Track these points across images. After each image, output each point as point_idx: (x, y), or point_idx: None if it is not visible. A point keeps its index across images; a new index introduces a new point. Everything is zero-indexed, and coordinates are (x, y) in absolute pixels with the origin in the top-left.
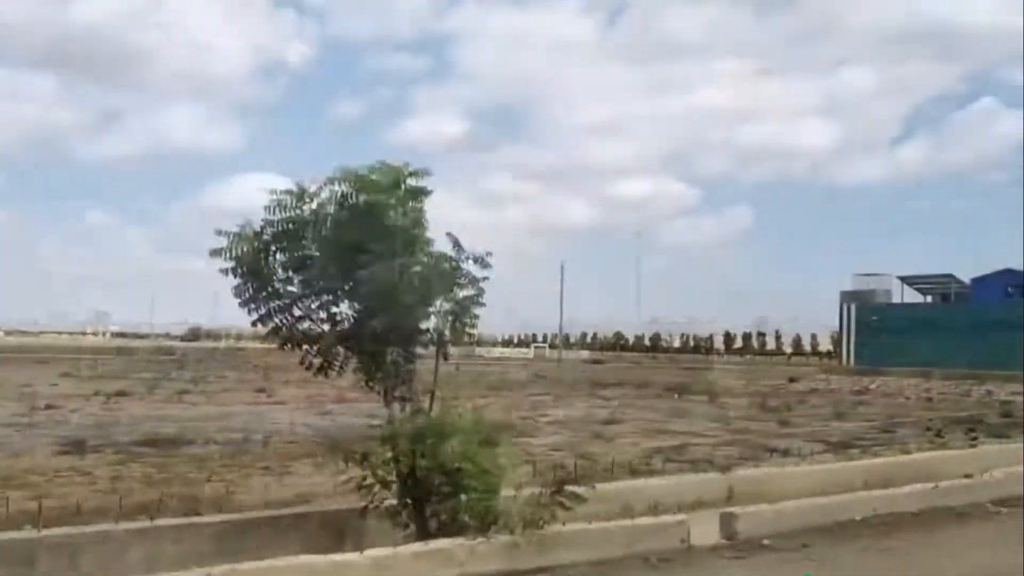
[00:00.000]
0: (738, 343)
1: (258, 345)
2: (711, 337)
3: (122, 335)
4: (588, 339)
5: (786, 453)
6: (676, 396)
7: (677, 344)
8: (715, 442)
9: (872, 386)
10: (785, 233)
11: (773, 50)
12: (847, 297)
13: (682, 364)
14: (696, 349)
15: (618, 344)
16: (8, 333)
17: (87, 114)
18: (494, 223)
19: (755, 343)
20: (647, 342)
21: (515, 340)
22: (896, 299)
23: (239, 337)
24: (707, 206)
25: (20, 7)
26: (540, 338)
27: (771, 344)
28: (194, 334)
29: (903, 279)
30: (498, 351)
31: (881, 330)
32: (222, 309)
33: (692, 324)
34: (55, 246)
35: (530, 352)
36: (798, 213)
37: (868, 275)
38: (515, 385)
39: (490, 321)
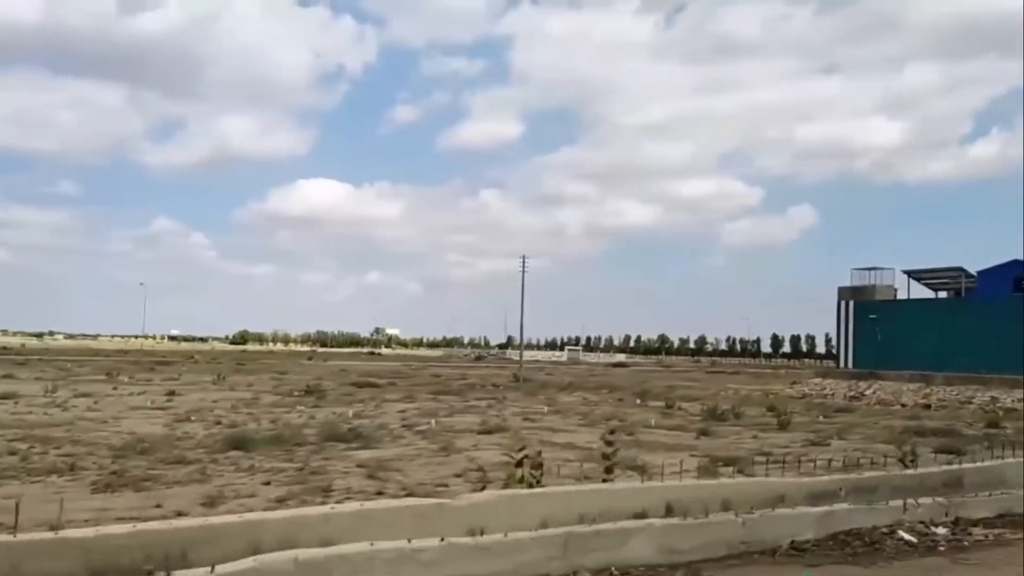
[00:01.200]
0: (786, 347)
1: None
2: (758, 340)
3: (178, 338)
4: (632, 342)
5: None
6: (624, 401)
7: (723, 347)
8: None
9: (868, 391)
10: (850, 232)
11: (833, 47)
12: (845, 293)
13: (696, 367)
14: (743, 352)
15: (662, 347)
16: (68, 337)
17: (153, 122)
18: (550, 225)
19: (803, 346)
20: (692, 345)
21: (558, 342)
22: (903, 295)
23: (286, 340)
24: (768, 206)
25: (88, 21)
26: (582, 341)
27: (821, 348)
28: (242, 337)
29: (909, 273)
30: (528, 354)
31: (881, 329)
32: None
33: (740, 327)
34: (122, 251)
35: (563, 355)
36: (863, 212)
37: (868, 269)
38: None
39: (530, 323)
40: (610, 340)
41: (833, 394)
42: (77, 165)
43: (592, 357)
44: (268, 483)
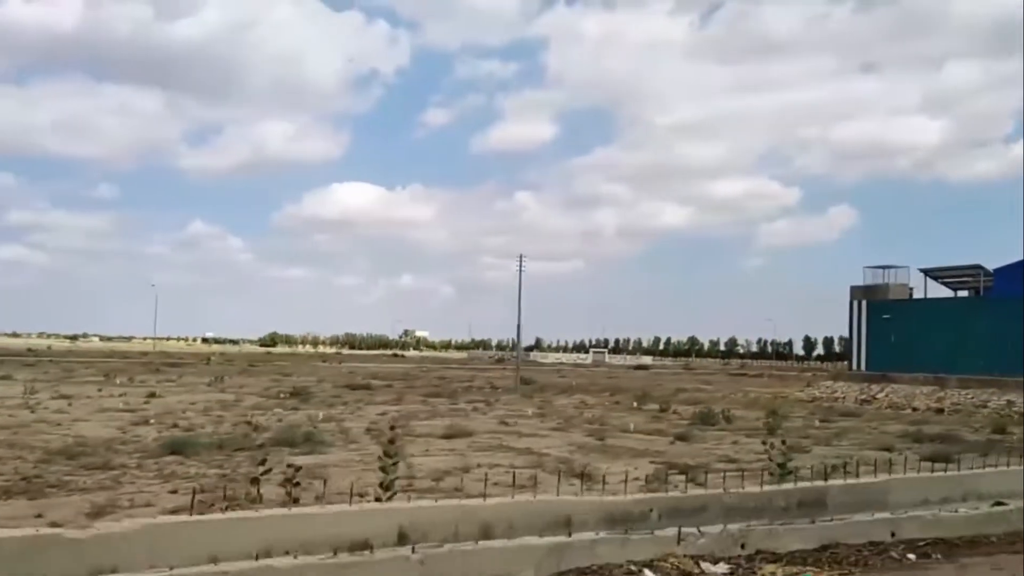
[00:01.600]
0: (819, 349)
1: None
2: (790, 342)
3: (209, 340)
4: (661, 344)
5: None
6: (621, 404)
7: (755, 349)
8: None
9: (880, 394)
10: (891, 232)
11: (872, 45)
12: (857, 293)
13: (721, 370)
14: (774, 355)
15: (691, 349)
16: (104, 339)
17: (190, 127)
18: (583, 226)
19: (836, 348)
20: (722, 347)
21: (587, 344)
22: (920, 294)
23: (315, 342)
24: (806, 206)
25: (127, 28)
26: (613, 343)
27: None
28: (272, 339)
29: (926, 272)
30: (552, 357)
31: (894, 330)
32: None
33: (773, 329)
34: (160, 254)
35: (588, 357)
36: (904, 211)
37: (882, 267)
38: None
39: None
40: (639, 342)
41: (844, 397)
42: (116, 170)
43: (618, 360)
44: (175, 491)
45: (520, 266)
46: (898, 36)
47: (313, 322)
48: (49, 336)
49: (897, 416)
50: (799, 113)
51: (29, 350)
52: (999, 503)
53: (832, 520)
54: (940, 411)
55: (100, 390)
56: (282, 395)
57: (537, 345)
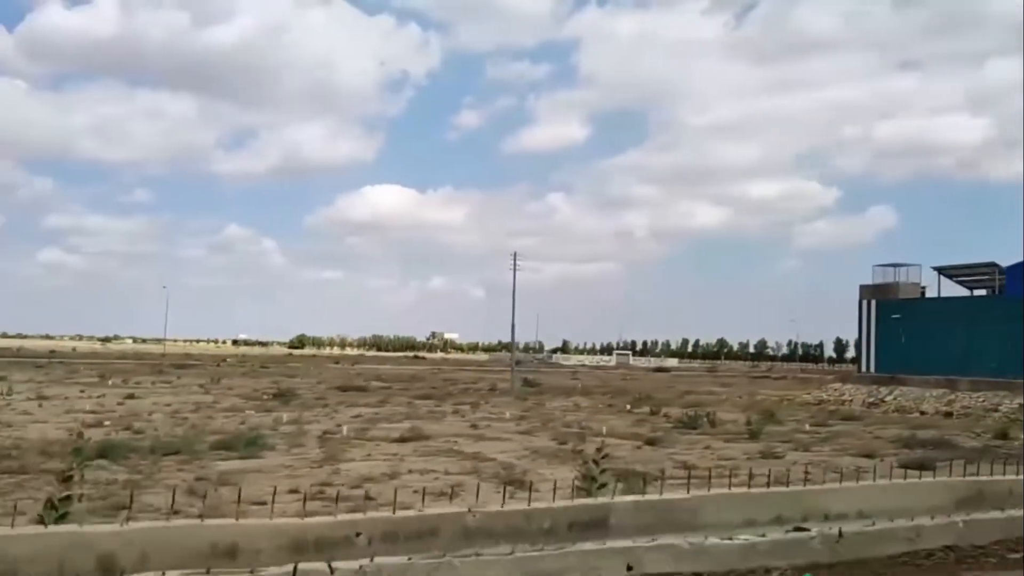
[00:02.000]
0: (851, 351)
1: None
2: (821, 344)
3: (239, 342)
4: (690, 346)
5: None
6: (614, 407)
7: (785, 351)
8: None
9: (888, 397)
10: (932, 232)
11: (912, 43)
12: (866, 292)
13: (745, 373)
14: (804, 357)
15: (720, 351)
16: (136, 340)
17: (224, 132)
18: (616, 228)
19: None
20: (752, 349)
21: (615, 346)
22: (933, 293)
23: (343, 344)
24: (845, 206)
25: (162, 34)
26: (642, 345)
27: None
28: (300, 341)
29: (940, 270)
30: (575, 359)
31: (904, 331)
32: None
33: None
34: (195, 257)
35: (612, 360)
36: (946, 211)
37: (892, 265)
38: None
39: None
40: (667, 345)
41: (851, 400)
42: (152, 174)
43: (643, 362)
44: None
45: (514, 266)
46: (938, 33)
47: (345, 324)
48: (81, 338)
49: (901, 420)
50: (837, 112)
51: (52, 352)
52: (799, 528)
53: (543, 550)
54: (949, 415)
55: (83, 391)
56: (265, 397)
57: (564, 347)
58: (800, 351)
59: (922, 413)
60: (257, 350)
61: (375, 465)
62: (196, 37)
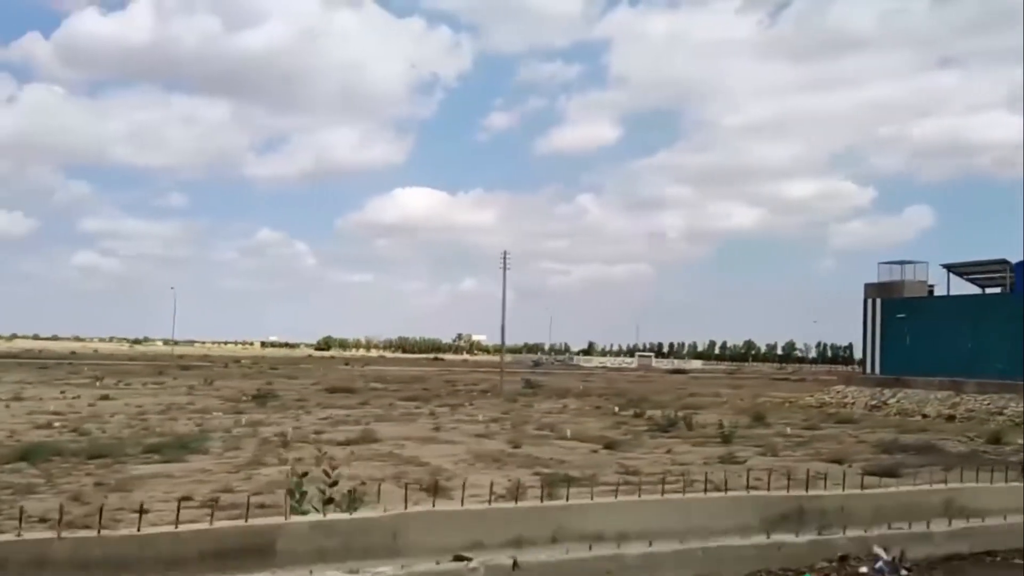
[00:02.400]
0: None
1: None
2: (850, 346)
3: (266, 344)
4: (717, 348)
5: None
6: (601, 409)
7: (813, 354)
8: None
9: (891, 400)
10: (971, 232)
11: (950, 40)
12: (871, 290)
13: (766, 375)
14: (834, 359)
15: (748, 353)
16: (169, 343)
17: (257, 136)
18: (648, 229)
19: None
20: (779, 351)
21: (641, 348)
22: (942, 292)
23: (369, 346)
24: (882, 206)
25: (196, 40)
26: (672, 346)
27: None
28: (327, 343)
29: (949, 267)
30: (597, 360)
31: (910, 330)
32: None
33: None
34: (228, 260)
35: (634, 361)
36: (985, 211)
37: (897, 262)
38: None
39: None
40: (693, 346)
41: (853, 403)
42: (186, 179)
43: (665, 364)
44: None
45: (504, 265)
46: (977, 29)
47: (375, 326)
48: (112, 340)
49: (900, 424)
50: (874, 111)
51: (72, 353)
52: (460, 557)
53: None
54: (951, 418)
55: (63, 392)
56: (244, 398)
57: (589, 349)
58: (829, 353)
59: (924, 416)
60: (283, 352)
61: (306, 470)
62: (229, 42)
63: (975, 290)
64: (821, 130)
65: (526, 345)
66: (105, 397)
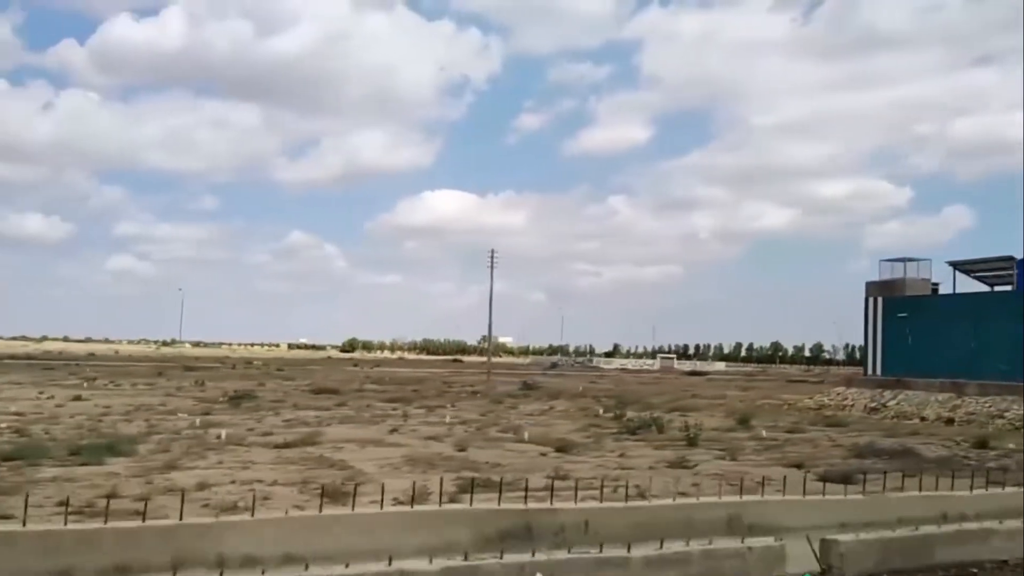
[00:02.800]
0: None
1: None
2: None
3: (293, 346)
4: (743, 350)
5: None
6: (586, 411)
7: (841, 356)
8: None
9: (891, 402)
10: (1012, 233)
11: (986, 37)
12: (872, 289)
13: (785, 377)
14: (861, 362)
15: (775, 355)
16: (197, 345)
17: (287, 140)
18: (679, 230)
19: None
20: (807, 353)
21: (667, 349)
22: (948, 290)
23: (392, 348)
24: (918, 206)
25: (228, 45)
26: (700, 348)
27: None
28: (351, 345)
29: (955, 264)
30: (617, 362)
31: (911, 330)
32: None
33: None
34: (259, 263)
35: (655, 363)
36: None
37: (899, 260)
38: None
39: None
40: (720, 348)
41: (852, 405)
42: (218, 182)
43: (688, 366)
44: None
45: (491, 263)
46: (1013, 26)
47: (404, 328)
48: (145, 342)
49: (892, 427)
50: (910, 109)
51: (91, 354)
52: None
53: None
54: (950, 421)
55: (41, 392)
56: (220, 400)
57: (614, 351)
58: (857, 355)
59: (922, 419)
60: (305, 354)
61: (210, 474)
62: (260, 47)
63: (983, 288)
64: (855, 129)
65: (550, 347)
66: (78, 398)
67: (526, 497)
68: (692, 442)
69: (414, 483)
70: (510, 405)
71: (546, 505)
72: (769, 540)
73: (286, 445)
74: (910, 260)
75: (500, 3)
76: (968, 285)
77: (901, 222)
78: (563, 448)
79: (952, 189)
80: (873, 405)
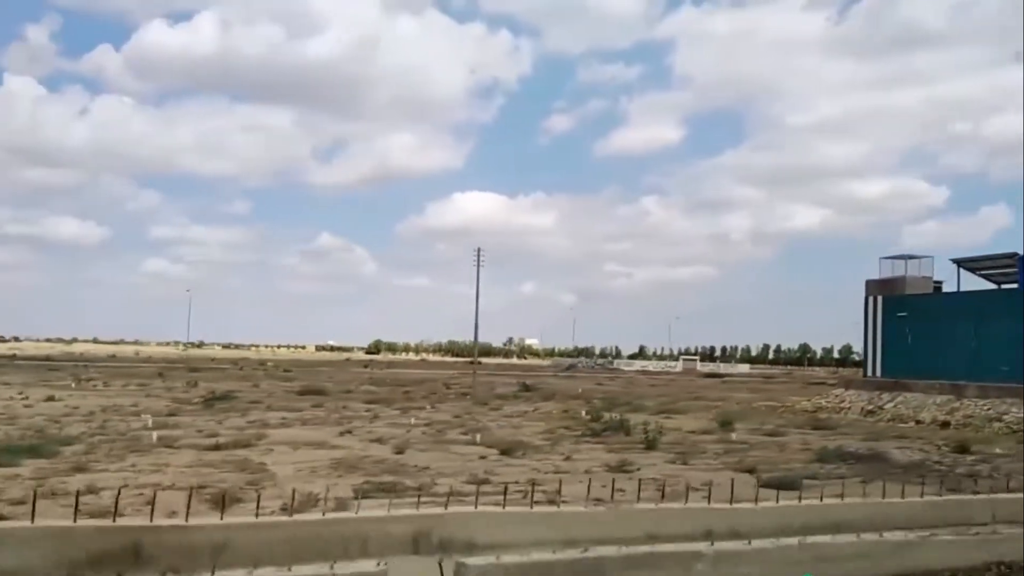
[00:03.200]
0: None
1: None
2: None
3: (323, 348)
4: (771, 352)
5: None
6: (568, 412)
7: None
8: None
9: (889, 405)
10: None
11: None
12: (872, 287)
13: (792, 380)
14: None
15: (803, 357)
16: (230, 347)
17: (318, 143)
18: (712, 231)
19: None
20: (836, 355)
21: (693, 351)
22: (951, 288)
23: (417, 350)
24: (956, 206)
25: (260, 49)
26: (720, 350)
27: None
28: (376, 347)
29: (959, 262)
30: (639, 364)
31: (911, 330)
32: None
33: None
34: (290, 265)
35: (677, 365)
36: None
37: (899, 257)
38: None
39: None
40: (747, 350)
41: (849, 408)
42: (250, 186)
43: (710, 367)
44: None
45: (477, 263)
46: None
47: (432, 330)
48: (170, 344)
49: (881, 431)
50: (948, 107)
51: (112, 356)
52: None
53: None
54: (946, 425)
55: (20, 393)
56: (195, 401)
57: (640, 352)
58: None
59: (918, 423)
60: (330, 355)
61: (112, 477)
62: (291, 51)
63: (991, 287)
64: (890, 128)
65: (575, 348)
66: (51, 399)
67: (389, 504)
68: (651, 445)
69: (294, 491)
70: (494, 407)
71: (176, 521)
72: (369, 565)
73: (217, 447)
74: (911, 257)
75: (530, 5)
76: (975, 283)
77: (937, 222)
78: (508, 451)
79: (990, 188)
80: (870, 408)
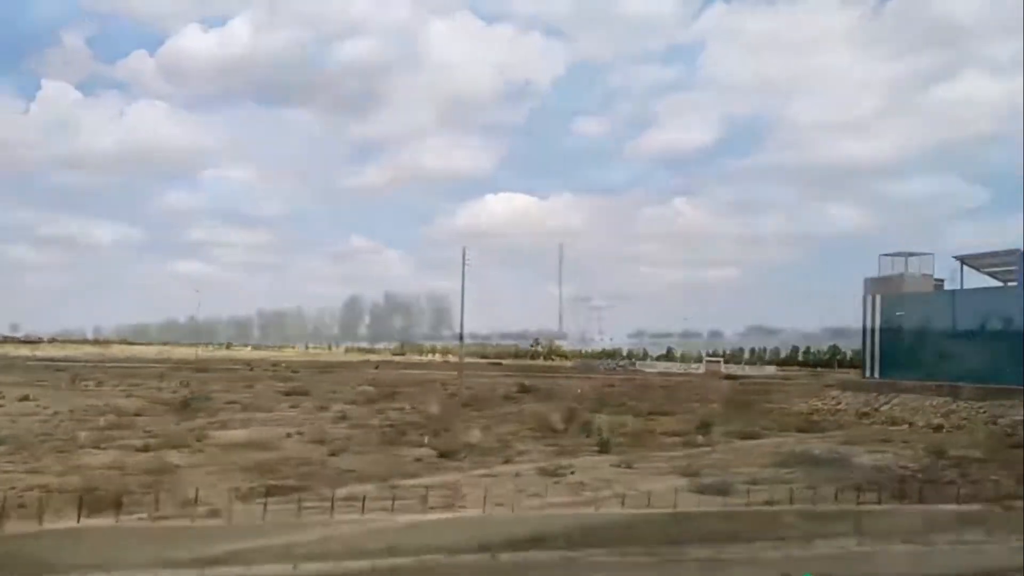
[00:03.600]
0: None
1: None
2: None
3: (352, 349)
4: (800, 353)
5: None
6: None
7: None
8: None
9: (884, 407)
10: None
11: None
12: (871, 286)
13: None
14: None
15: (833, 358)
16: (260, 348)
17: (348, 145)
18: (743, 232)
19: None
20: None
21: (722, 353)
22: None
23: (444, 351)
24: (996, 205)
25: (289, 52)
26: (747, 351)
27: None
28: (401, 349)
29: (962, 259)
30: (662, 365)
31: (909, 329)
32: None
33: None
34: (318, 267)
35: (700, 366)
36: None
37: (900, 254)
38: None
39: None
40: (776, 351)
41: (845, 410)
42: (280, 188)
43: (735, 369)
44: None
45: (463, 262)
46: None
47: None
48: (204, 345)
49: (872, 434)
50: (984, 105)
51: (129, 356)
52: None
53: None
54: (939, 428)
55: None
56: (171, 403)
57: (668, 354)
58: None
59: (910, 426)
60: (359, 356)
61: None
62: (321, 54)
63: (996, 284)
64: (928, 127)
65: (603, 350)
66: (25, 398)
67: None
68: (603, 447)
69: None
70: (477, 408)
71: None
72: None
73: (146, 449)
74: (911, 254)
75: (562, 7)
76: (979, 281)
77: (975, 221)
78: (446, 454)
79: None
80: (865, 410)
